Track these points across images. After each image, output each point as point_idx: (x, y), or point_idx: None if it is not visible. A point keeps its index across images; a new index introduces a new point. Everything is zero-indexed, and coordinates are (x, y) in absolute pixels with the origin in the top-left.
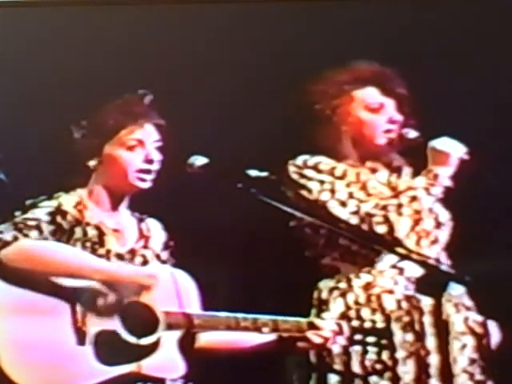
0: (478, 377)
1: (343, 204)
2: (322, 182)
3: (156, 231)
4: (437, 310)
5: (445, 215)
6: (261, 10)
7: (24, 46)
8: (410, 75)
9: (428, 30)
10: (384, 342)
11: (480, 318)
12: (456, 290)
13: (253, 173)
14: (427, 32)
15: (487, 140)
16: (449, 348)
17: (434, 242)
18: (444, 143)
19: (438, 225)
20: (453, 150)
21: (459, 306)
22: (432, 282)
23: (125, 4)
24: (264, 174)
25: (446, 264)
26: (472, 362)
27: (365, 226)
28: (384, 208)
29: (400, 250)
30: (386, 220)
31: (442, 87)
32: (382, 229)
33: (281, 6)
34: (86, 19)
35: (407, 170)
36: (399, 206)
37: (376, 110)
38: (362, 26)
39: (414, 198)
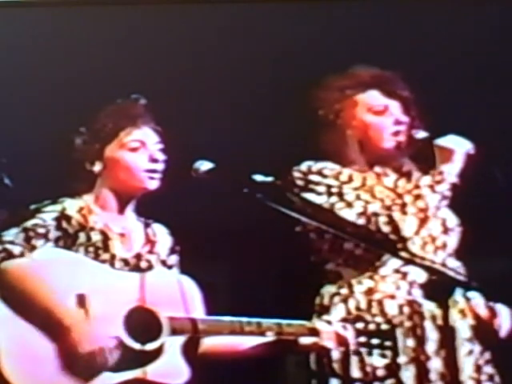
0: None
1: (350, 205)
2: (328, 186)
3: (162, 236)
4: (444, 317)
5: (453, 220)
6: (260, 13)
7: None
8: (413, 77)
9: (428, 30)
10: (388, 343)
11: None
12: (462, 296)
13: (258, 178)
14: (428, 33)
15: (494, 138)
16: (455, 355)
17: (442, 247)
18: (449, 140)
19: (446, 230)
20: (457, 146)
21: (465, 312)
22: (437, 288)
23: (124, 4)
24: (269, 179)
25: (452, 269)
26: (478, 368)
27: (372, 227)
28: (389, 208)
29: (405, 255)
30: (391, 220)
31: (445, 87)
32: (387, 229)
33: (280, 9)
34: (83, 20)
35: (417, 175)
36: (403, 205)
37: (381, 113)
38: (361, 29)
39: (418, 197)
